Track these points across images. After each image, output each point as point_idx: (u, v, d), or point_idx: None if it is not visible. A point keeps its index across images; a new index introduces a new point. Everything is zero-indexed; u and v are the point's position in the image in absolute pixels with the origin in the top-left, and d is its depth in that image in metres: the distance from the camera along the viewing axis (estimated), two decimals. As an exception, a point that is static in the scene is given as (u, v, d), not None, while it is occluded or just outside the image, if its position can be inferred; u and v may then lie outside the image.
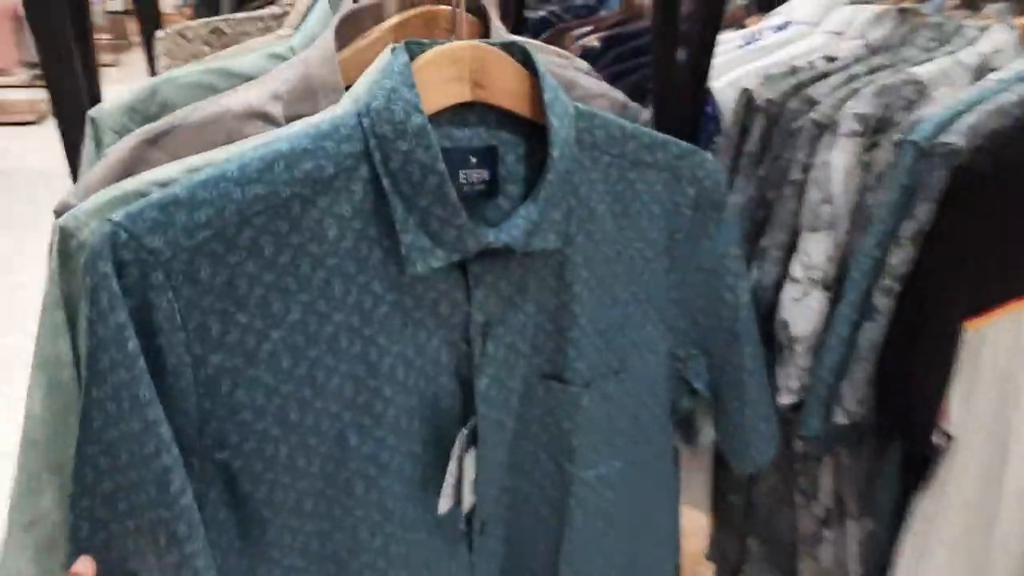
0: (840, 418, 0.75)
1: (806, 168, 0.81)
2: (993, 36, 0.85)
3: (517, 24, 1.38)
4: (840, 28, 1.04)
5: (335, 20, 0.62)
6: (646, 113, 0.75)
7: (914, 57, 0.89)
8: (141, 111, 0.59)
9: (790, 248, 0.82)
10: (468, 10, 0.65)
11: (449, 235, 0.55)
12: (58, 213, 0.55)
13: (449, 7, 0.63)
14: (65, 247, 0.53)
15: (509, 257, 0.60)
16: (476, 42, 0.56)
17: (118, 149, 0.56)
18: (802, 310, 0.79)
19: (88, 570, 0.49)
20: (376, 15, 0.63)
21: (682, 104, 0.90)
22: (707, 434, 0.80)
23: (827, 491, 0.92)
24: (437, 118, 0.56)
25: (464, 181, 0.58)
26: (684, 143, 0.68)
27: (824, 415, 0.77)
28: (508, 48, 0.58)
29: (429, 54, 0.55)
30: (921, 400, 0.71)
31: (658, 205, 0.68)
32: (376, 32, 0.64)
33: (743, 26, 1.20)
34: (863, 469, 0.88)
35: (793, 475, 0.95)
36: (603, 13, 1.59)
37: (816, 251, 0.78)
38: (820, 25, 1.07)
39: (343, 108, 0.54)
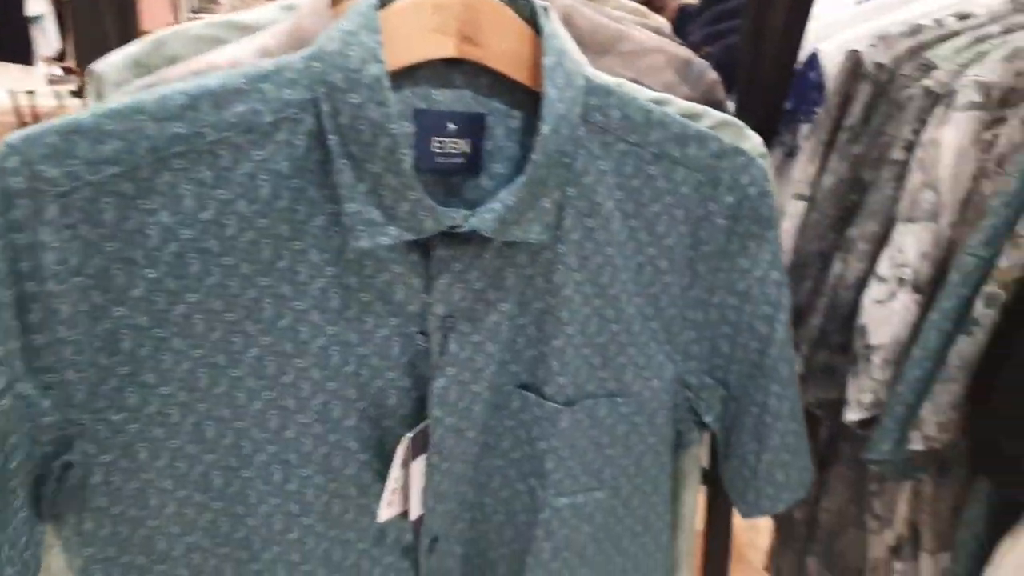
0: (917, 444, 0.64)
1: (910, 147, 0.68)
2: None
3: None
4: (981, -20, 0.87)
5: None
6: (712, 73, 0.64)
7: (1069, 16, 0.73)
8: (146, 64, 0.55)
9: (881, 241, 0.70)
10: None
11: (402, 209, 0.48)
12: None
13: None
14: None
15: (484, 245, 0.53)
16: None
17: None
18: (885, 314, 0.67)
19: None
20: None
21: (771, 68, 0.78)
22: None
23: (902, 518, 0.80)
24: (412, 74, 0.49)
25: (438, 150, 0.51)
26: (728, 140, 0.57)
27: (899, 438, 0.66)
28: (513, 1, 0.50)
29: None
30: (1017, 436, 0.59)
31: (683, 210, 0.57)
32: None
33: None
34: (947, 499, 0.76)
35: (867, 496, 0.84)
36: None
37: (910, 245, 0.66)
38: (958, -23, 0.91)
39: (302, 55, 0.48)
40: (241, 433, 0.54)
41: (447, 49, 0.50)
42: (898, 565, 0.81)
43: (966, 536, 0.72)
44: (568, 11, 0.60)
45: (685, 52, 0.64)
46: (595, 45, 0.61)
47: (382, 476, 0.57)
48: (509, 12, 0.50)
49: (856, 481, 0.86)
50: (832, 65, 0.86)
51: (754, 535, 1.71)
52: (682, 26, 1.12)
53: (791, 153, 0.94)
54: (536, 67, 0.51)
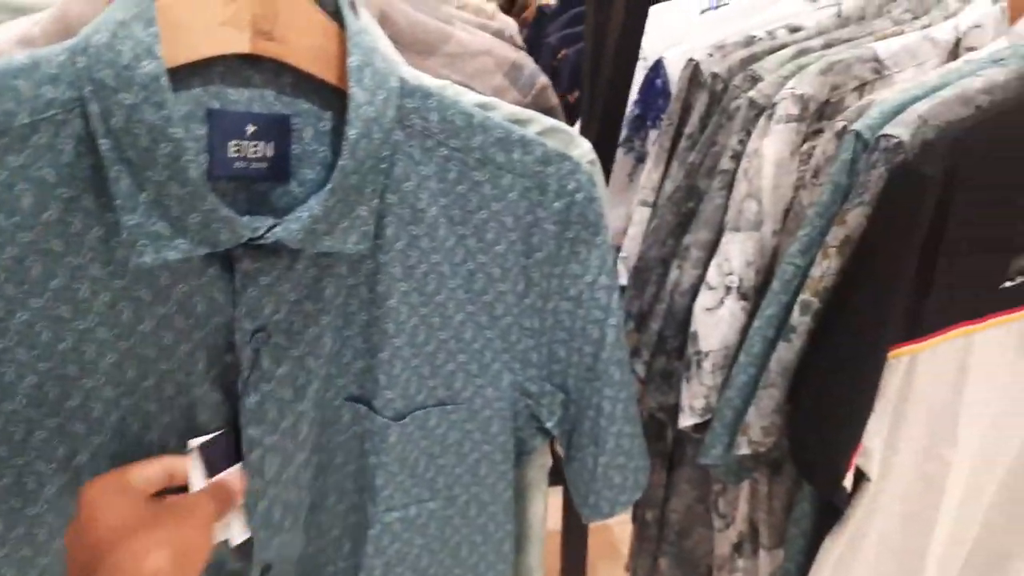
0: (743, 448, 0.65)
1: (737, 156, 0.70)
2: (975, 10, 0.72)
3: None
4: (815, -5, 0.91)
5: None
6: (543, 78, 0.64)
7: (884, 30, 0.76)
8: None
9: (713, 249, 0.72)
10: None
11: (193, 221, 0.44)
12: None
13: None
14: None
15: (296, 256, 0.50)
16: None
17: None
18: (714, 321, 0.68)
19: None
20: None
21: (611, 71, 0.78)
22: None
23: (743, 516, 0.82)
24: (204, 71, 0.45)
25: (235, 155, 0.47)
26: (554, 145, 0.56)
27: (728, 442, 0.67)
28: None
29: None
30: (833, 439, 0.61)
31: (511, 216, 0.56)
32: None
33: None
34: (781, 496, 0.78)
35: (712, 496, 0.86)
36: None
37: (736, 254, 0.68)
38: (795, -10, 0.94)
39: (65, 46, 0.43)
40: (23, 469, 0.48)
41: (241, 44, 0.46)
42: (740, 562, 0.84)
43: (795, 533, 0.74)
44: (384, 8, 0.57)
45: (516, 55, 0.63)
46: (417, 44, 0.59)
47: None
48: (310, 5, 0.47)
49: (701, 482, 0.88)
50: (676, 72, 0.87)
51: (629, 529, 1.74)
52: (540, 27, 1.12)
53: (641, 159, 0.95)
54: (343, 66, 0.48)
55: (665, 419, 0.78)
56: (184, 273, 0.48)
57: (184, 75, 0.46)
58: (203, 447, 0.52)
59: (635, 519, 0.99)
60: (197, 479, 0.52)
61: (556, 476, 0.72)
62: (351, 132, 0.47)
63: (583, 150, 0.60)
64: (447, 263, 0.56)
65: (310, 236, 0.47)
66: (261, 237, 0.47)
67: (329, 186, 0.47)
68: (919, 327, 0.61)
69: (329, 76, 0.48)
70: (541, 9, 1.11)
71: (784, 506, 0.78)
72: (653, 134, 0.92)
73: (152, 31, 0.42)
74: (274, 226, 0.47)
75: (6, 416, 0.46)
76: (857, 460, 0.63)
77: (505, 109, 0.57)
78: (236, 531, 0.56)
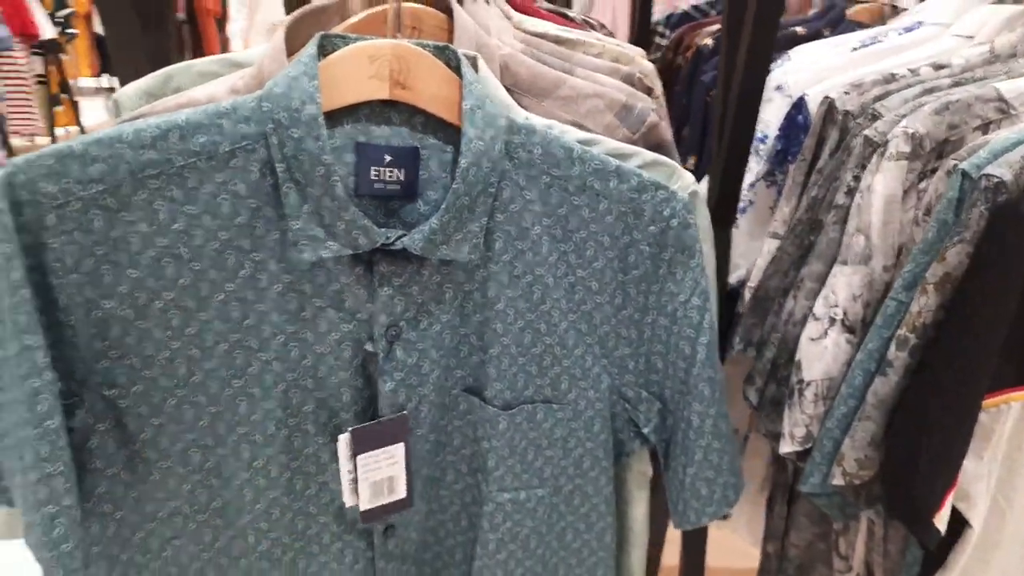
0: (837, 479, 0.66)
1: (852, 192, 0.71)
2: None
3: (643, 17, 1.33)
4: (972, 31, 0.88)
5: (288, 19, 0.65)
6: (653, 117, 0.70)
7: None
8: (155, 94, 0.67)
9: (825, 281, 0.73)
10: (437, 7, 0.65)
11: (339, 227, 0.56)
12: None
13: (415, 4, 0.64)
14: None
15: (423, 263, 0.60)
16: (400, 42, 0.56)
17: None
18: (818, 351, 0.70)
19: None
20: (343, 13, 0.66)
21: (739, 111, 0.82)
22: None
23: (859, 557, 0.81)
24: (355, 113, 0.57)
25: (375, 178, 0.59)
26: (651, 176, 0.62)
27: (826, 473, 0.68)
28: (441, 51, 0.58)
29: (345, 49, 0.56)
30: (925, 477, 0.60)
31: (608, 236, 0.63)
32: (336, 29, 0.66)
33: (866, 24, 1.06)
34: (895, 540, 0.76)
35: (833, 535, 0.85)
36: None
37: (841, 287, 0.69)
38: (952, 27, 0.92)
39: (255, 95, 0.57)
40: (215, 416, 0.63)
41: (382, 92, 0.58)
42: (854, 604, 0.82)
43: (905, 570, 0.72)
44: (506, 60, 0.67)
45: (626, 97, 0.70)
46: (535, 89, 0.68)
47: (337, 458, 0.65)
48: (436, 61, 0.58)
49: (821, 519, 0.87)
50: (815, 109, 0.89)
51: None
52: (697, 65, 1.17)
53: (782, 192, 0.97)
54: (461, 108, 0.58)
55: (774, 446, 0.79)
56: (336, 273, 0.61)
57: (341, 116, 0.59)
58: (354, 431, 0.64)
59: (762, 550, 0.99)
60: (344, 460, 0.64)
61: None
62: (463, 161, 0.57)
63: (684, 182, 0.66)
64: (550, 275, 0.64)
65: (429, 245, 0.58)
66: (392, 244, 0.58)
67: (448, 205, 0.57)
68: (1033, 372, 0.59)
69: (450, 117, 0.59)
70: (698, 49, 1.16)
71: (899, 550, 0.76)
72: (792, 169, 0.94)
73: (314, 83, 0.55)
74: (402, 236, 0.58)
75: (205, 372, 0.61)
76: (955, 503, 0.62)
77: (608, 144, 0.64)
78: (363, 498, 0.67)
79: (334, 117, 0.58)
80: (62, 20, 3.95)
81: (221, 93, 0.62)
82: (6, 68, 3.37)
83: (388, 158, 0.59)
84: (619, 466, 0.75)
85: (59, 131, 3.99)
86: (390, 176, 0.60)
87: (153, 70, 0.74)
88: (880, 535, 0.77)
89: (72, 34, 4.13)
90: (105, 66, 4.95)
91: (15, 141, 3.57)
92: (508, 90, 0.66)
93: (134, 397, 0.60)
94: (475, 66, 0.59)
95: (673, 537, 1.11)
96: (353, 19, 0.64)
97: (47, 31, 3.54)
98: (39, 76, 3.68)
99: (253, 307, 0.61)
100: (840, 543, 0.84)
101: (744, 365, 0.88)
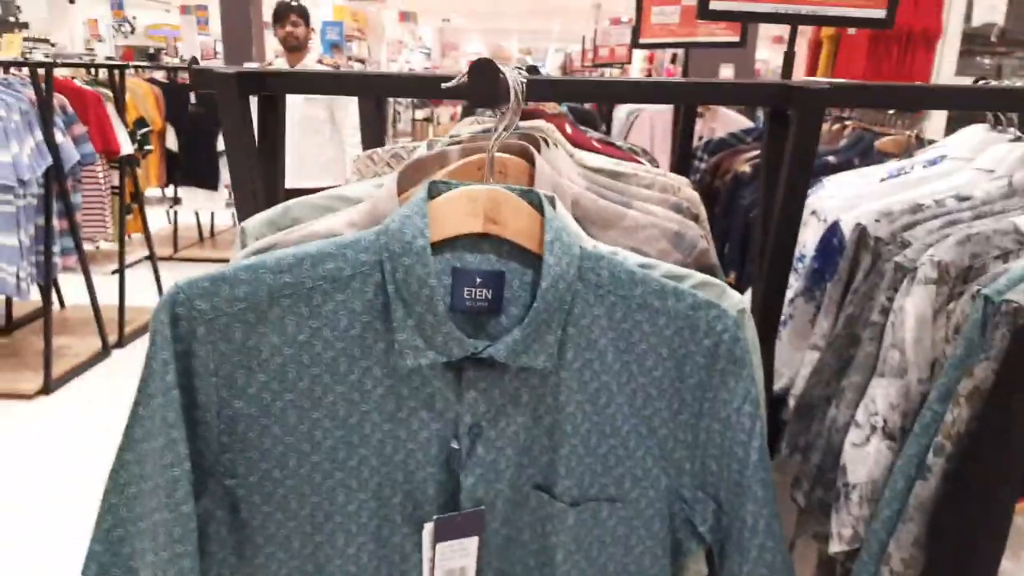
0: (885, 577, 0.71)
1: (885, 311, 0.79)
2: None
3: (684, 145, 1.45)
4: (992, 166, 0.98)
5: (401, 166, 0.77)
6: (703, 243, 0.79)
7: (1044, 204, 0.82)
8: (277, 223, 0.79)
9: (864, 392, 0.80)
10: (520, 156, 0.77)
11: (437, 339, 0.65)
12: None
13: (503, 155, 0.76)
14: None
15: (504, 369, 0.69)
16: (494, 186, 0.68)
17: (242, 255, 0.76)
18: (862, 456, 0.76)
19: None
20: (442, 162, 0.78)
21: (780, 233, 0.92)
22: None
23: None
24: (453, 244, 0.68)
25: (468, 297, 0.69)
26: (704, 295, 0.71)
27: (875, 572, 0.73)
28: (526, 194, 0.69)
29: (450, 193, 0.68)
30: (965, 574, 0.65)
31: (667, 348, 0.71)
32: (438, 175, 0.78)
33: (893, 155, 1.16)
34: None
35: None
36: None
37: (880, 397, 0.76)
38: (974, 161, 1.01)
39: (374, 230, 0.68)
40: (316, 505, 0.71)
41: (477, 226, 0.69)
42: None
43: None
44: (576, 197, 0.78)
45: (678, 226, 0.80)
46: (601, 221, 0.78)
47: (415, 548, 0.72)
48: (521, 201, 0.69)
49: (872, 623, 0.90)
50: (849, 233, 0.98)
51: None
52: (737, 189, 1.28)
53: (819, 308, 1.05)
54: (541, 239, 0.69)
55: (821, 547, 0.84)
56: (430, 379, 0.70)
57: (442, 246, 0.69)
58: (439, 523, 0.71)
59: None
60: (427, 548, 0.71)
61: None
62: (544, 283, 0.67)
63: (733, 301, 0.75)
64: (614, 382, 0.72)
65: (512, 354, 0.67)
66: (480, 353, 0.67)
67: (529, 319, 0.67)
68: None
69: (532, 246, 0.69)
70: (737, 175, 1.28)
71: (951, 655, 0.79)
72: (828, 287, 1.02)
73: (424, 220, 0.66)
74: (488, 346, 0.67)
75: (312, 465, 0.69)
76: (1000, 604, 0.66)
77: (664, 267, 0.73)
78: None
79: (436, 247, 0.68)
80: (141, 137, 4.30)
81: (339, 227, 0.74)
82: (86, 180, 3.66)
83: (479, 280, 0.69)
84: (676, 566, 0.80)
85: (129, 238, 4.25)
86: (480, 295, 0.70)
87: (266, 196, 0.86)
88: (931, 639, 0.80)
89: (148, 150, 4.48)
90: (170, 177, 5.31)
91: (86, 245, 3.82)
92: (578, 221, 0.77)
93: (250, 486, 0.69)
94: (552, 204, 0.70)
95: None
96: (451, 167, 0.76)
97: (126, 147, 3.85)
98: (114, 188, 3.97)
99: (358, 407, 0.70)
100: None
101: (790, 471, 0.93)
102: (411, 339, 0.67)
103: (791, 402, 0.96)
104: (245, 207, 0.91)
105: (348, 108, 3.94)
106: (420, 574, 0.73)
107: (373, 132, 1.47)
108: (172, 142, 5.00)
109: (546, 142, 0.85)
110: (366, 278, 0.68)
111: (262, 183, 0.94)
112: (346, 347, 0.68)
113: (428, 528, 0.71)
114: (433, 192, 0.68)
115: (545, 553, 0.76)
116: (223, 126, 0.91)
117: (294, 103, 3.62)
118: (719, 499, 0.75)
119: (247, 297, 0.66)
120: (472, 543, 0.73)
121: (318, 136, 3.95)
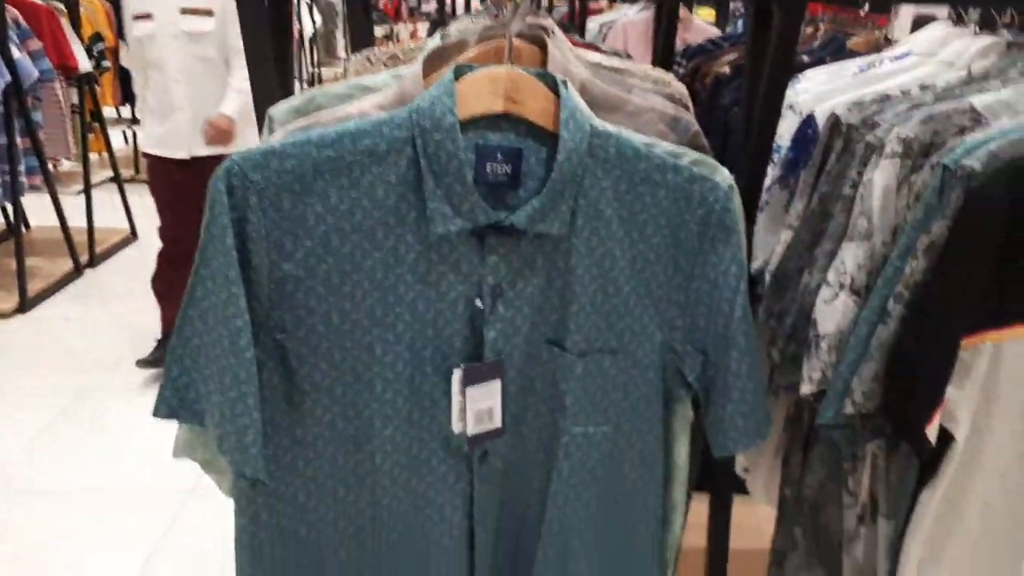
0: (848, 408, 0.83)
1: (855, 185, 0.89)
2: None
3: (666, 50, 1.52)
4: (953, 59, 1.07)
5: (424, 54, 0.83)
6: (695, 126, 0.88)
7: (996, 87, 0.92)
8: (302, 111, 0.85)
9: (834, 257, 0.91)
10: (534, 43, 0.84)
11: (465, 207, 0.73)
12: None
13: (518, 40, 0.82)
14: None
15: (521, 237, 0.77)
16: (513, 68, 0.75)
17: (280, 134, 0.83)
18: (830, 311, 0.87)
19: None
20: (461, 49, 0.84)
21: (762, 125, 1.01)
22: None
23: (865, 489, 0.97)
24: (476, 122, 0.75)
25: (489, 171, 0.76)
26: (699, 170, 0.80)
27: (839, 407, 0.85)
28: (542, 76, 0.76)
29: (473, 74, 0.75)
30: (917, 400, 0.77)
31: (665, 218, 0.81)
32: (457, 61, 0.83)
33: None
34: (896, 471, 0.93)
35: (844, 475, 1.01)
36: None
37: (849, 258, 0.86)
38: (936, 56, 1.11)
39: (406, 109, 0.75)
40: (356, 357, 0.80)
41: (498, 106, 0.76)
42: (862, 530, 0.98)
43: (905, 501, 0.89)
44: (584, 82, 0.86)
45: (675, 112, 0.88)
46: (607, 105, 0.86)
47: (447, 395, 0.82)
48: (539, 83, 0.76)
49: (833, 462, 1.03)
50: (823, 123, 1.07)
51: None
52: (717, 91, 1.36)
53: (793, 194, 1.15)
54: (557, 118, 0.76)
55: (788, 395, 0.96)
56: (457, 244, 0.78)
57: (466, 126, 0.77)
58: (466, 371, 0.81)
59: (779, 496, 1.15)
60: (456, 393, 0.80)
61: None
62: (560, 157, 0.75)
63: (723, 176, 0.84)
64: (618, 248, 0.81)
65: (531, 221, 0.76)
66: (502, 221, 0.76)
67: (547, 190, 0.75)
68: (999, 318, 0.77)
69: (547, 125, 0.77)
70: (717, 76, 1.35)
71: (899, 479, 0.93)
72: (803, 174, 1.12)
73: (452, 99, 0.73)
74: (509, 215, 0.76)
75: (353, 322, 0.78)
76: (943, 423, 0.79)
77: (665, 146, 0.82)
78: (469, 425, 0.84)
79: (461, 126, 0.76)
80: (97, 55, 4.17)
81: (369, 108, 0.80)
82: (47, 98, 3.56)
83: (499, 156, 0.77)
84: (667, 411, 0.92)
85: (93, 156, 4.17)
86: (500, 170, 0.78)
87: (281, 87, 0.92)
88: (883, 467, 0.94)
89: (105, 68, 4.35)
90: (125, 97, 5.16)
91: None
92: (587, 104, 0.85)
93: (298, 340, 0.77)
94: (566, 86, 0.77)
95: (697, 523, 1.24)
96: (470, 52, 0.82)
97: (84, 63, 3.74)
98: (74, 106, 3.88)
99: (393, 270, 0.78)
100: (849, 481, 1.01)
101: (765, 336, 1.05)
102: (441, 207, 0.74)
103: (767, 278, 1.07)
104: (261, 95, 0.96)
105: (237, 46, 2.71)
106: (447, 416, 0.83)
107: (363, 37, 1.50)
108: (126, 59, 4.86)
109: (552, 32, 0.91)
110: (400, 153, 0.75)
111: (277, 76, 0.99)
112: (382, 216, 0.76)
113: (457, 374, 0.81)
114: (458, 74, 0.75)
115: (555, 400, 0.87)
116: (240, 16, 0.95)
117: (169, 46, 2.72)
118: (706, 351, 0.86)
119: (294, 169, 0.73)
120: (497, 386, 0.83)
121: (215, 83, 2.81)
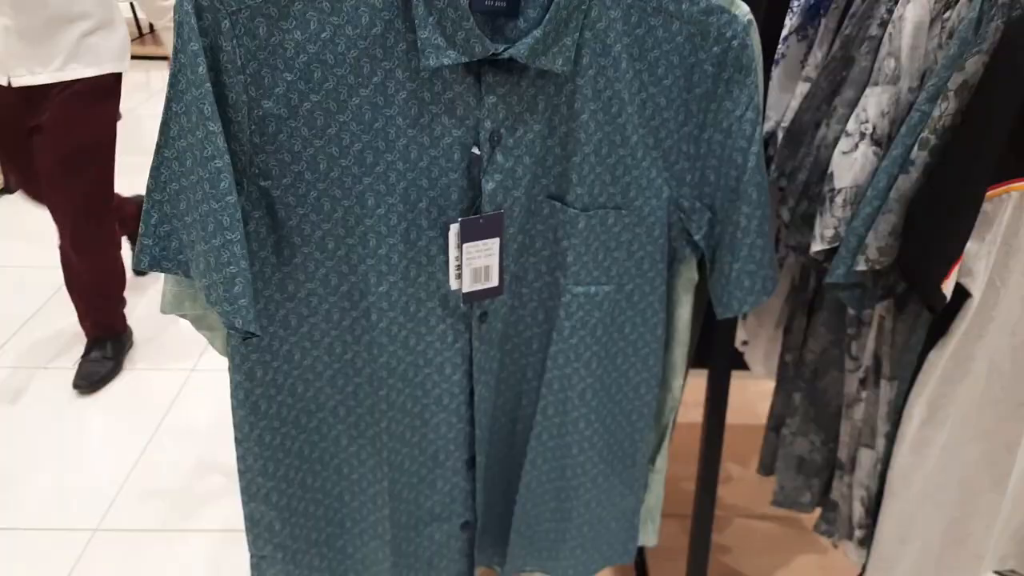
0: (861, 265, 0.79)
1: (884, 24, 0.82)
2: None
3: None
4: None
5: None
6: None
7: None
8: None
9: (855, 106, 0.84)
10: None
11: (460, 37, 0.66)
12: None
13: None
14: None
15: (521, 75, 0.71)
16: None
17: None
18: (848, 162, 0.82)
19: None
20: None
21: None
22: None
23: (869, 352, 0.95)
24: None
25: None
26: (717, 2, 0.71)
27: (850, 264, 0.81)
28: None
29: None
30: (936, 253, 0.73)
31: (678, 56, 0.73)
32: None
33: None
34: (903, 332, 0.90)
35: (847, 340, 0.99)
36: None
37: (872, 105, 0.80)
38: None
39: None
40: (347, 209, 0.75)
41: (493, -73, 0.68)
42: (864, 393, 0.97)
43: (910, 359, 0.87)
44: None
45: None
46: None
47: (445, 251, 0.78)
48: None
49: (837, 327, 1.01)
50: (849, -34, 0.98)
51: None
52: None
53: (812, 46, 1.07)
54: None
55: (799, 255, 0.92)
56: (451, 83, 0.72)
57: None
58: (462, 221, 0.76)
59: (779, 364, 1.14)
60: (453, 248, 0.76)
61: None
62: None
63: (743, 9, 0.76)
64: (626, 91, 0.75)
65: (532, 55, 0.69)
66: (501, 53, 0.69)
67: (548, 19, 0.68)
68: (1030, 166, 0.72)
69: (548, -55, 0.69)
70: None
71: (905, 340, 0.91)
72: (825, 20, 1.04)
73: None
74: (508, 47, 0.69)
75: (342, 168, 0.73)
76: (960, 279, 0.75)
77: (679, -26, 0.74)
78: (466, 282, 0.80)
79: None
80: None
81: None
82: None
83: None
84: (671, 272, 0.88)
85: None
86: None
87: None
88: (889, 328, 0.92)
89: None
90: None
91: None
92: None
93: (284, 188, 0.72)
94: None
95: (693, 400, 1.23)
96: None
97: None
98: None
99: (382, 112, 0.72)
100: (852, 346, 0.99)
101: (775, 197, 1.00)
102: (432, 37, 0.67)
103: (779, 134, 1.00)
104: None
105: None
106: (444, 273, 0.80)
107: None
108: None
109: None
110: None
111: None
112: (368, 47, 0.69)
113: (454, 228, 0.77)
114: None
115: (555, 259, 0.83)
116: None
117: None
118: (714, 208, 0.82)
119: None
120: (495, 244, 0.79)
121: None
